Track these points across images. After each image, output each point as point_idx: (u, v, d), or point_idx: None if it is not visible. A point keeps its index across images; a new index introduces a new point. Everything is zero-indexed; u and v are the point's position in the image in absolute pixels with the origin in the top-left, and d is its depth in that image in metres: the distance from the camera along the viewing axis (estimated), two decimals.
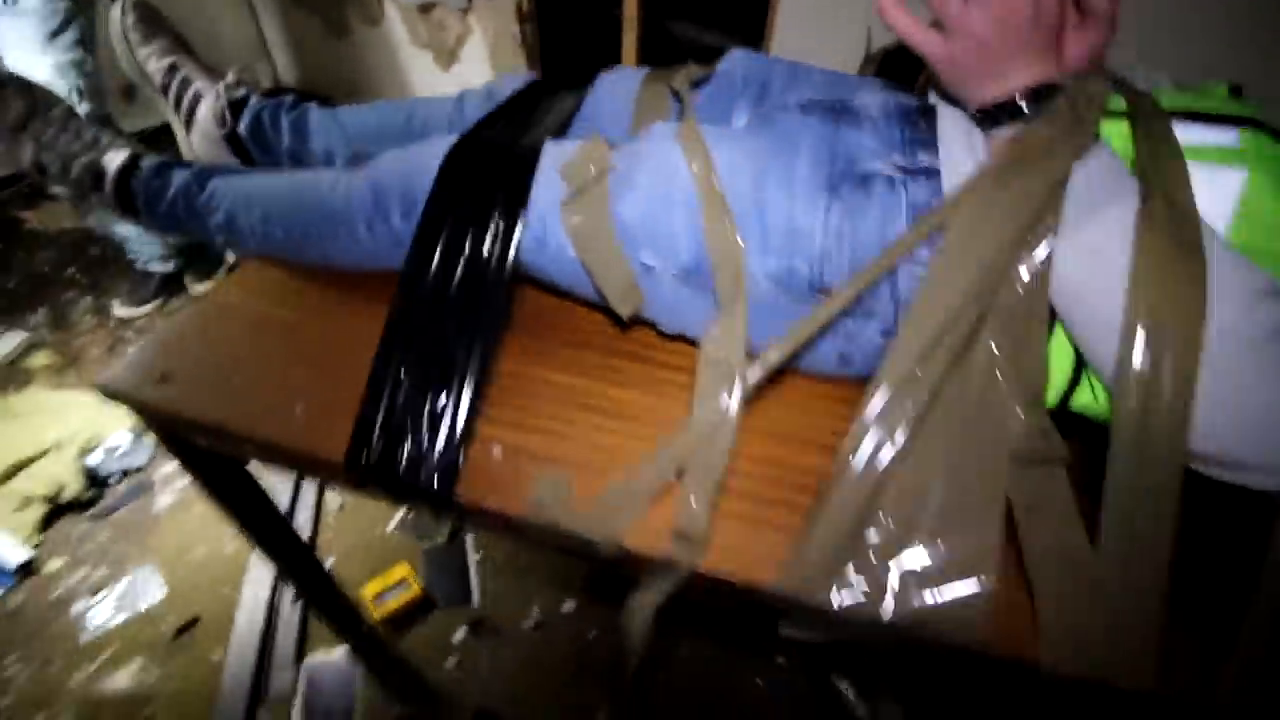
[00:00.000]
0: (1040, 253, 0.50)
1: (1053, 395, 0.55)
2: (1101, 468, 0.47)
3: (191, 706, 1.15)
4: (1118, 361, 0.46)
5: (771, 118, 0.62)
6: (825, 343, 0.59)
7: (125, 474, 1.50)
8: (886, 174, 0.56)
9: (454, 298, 0.60)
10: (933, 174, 0.55)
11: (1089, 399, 0.53)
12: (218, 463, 0.78)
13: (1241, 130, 0.51)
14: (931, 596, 0.48)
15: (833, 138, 0.58)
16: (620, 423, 0.61)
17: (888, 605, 0.48)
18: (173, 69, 0.90)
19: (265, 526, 0.92)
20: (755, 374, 0.51)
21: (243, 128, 0.89)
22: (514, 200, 0.61)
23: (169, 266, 1.69)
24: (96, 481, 1.47)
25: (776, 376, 0.63)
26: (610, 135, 0.66)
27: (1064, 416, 0.55)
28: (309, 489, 1.47)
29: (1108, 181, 0.47)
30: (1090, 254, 0.47)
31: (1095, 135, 0.49)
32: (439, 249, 0.61)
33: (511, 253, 0.60)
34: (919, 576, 0.49)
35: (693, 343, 0.65)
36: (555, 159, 0.62)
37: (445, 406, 0.58)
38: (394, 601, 1.26)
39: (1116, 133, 0.52)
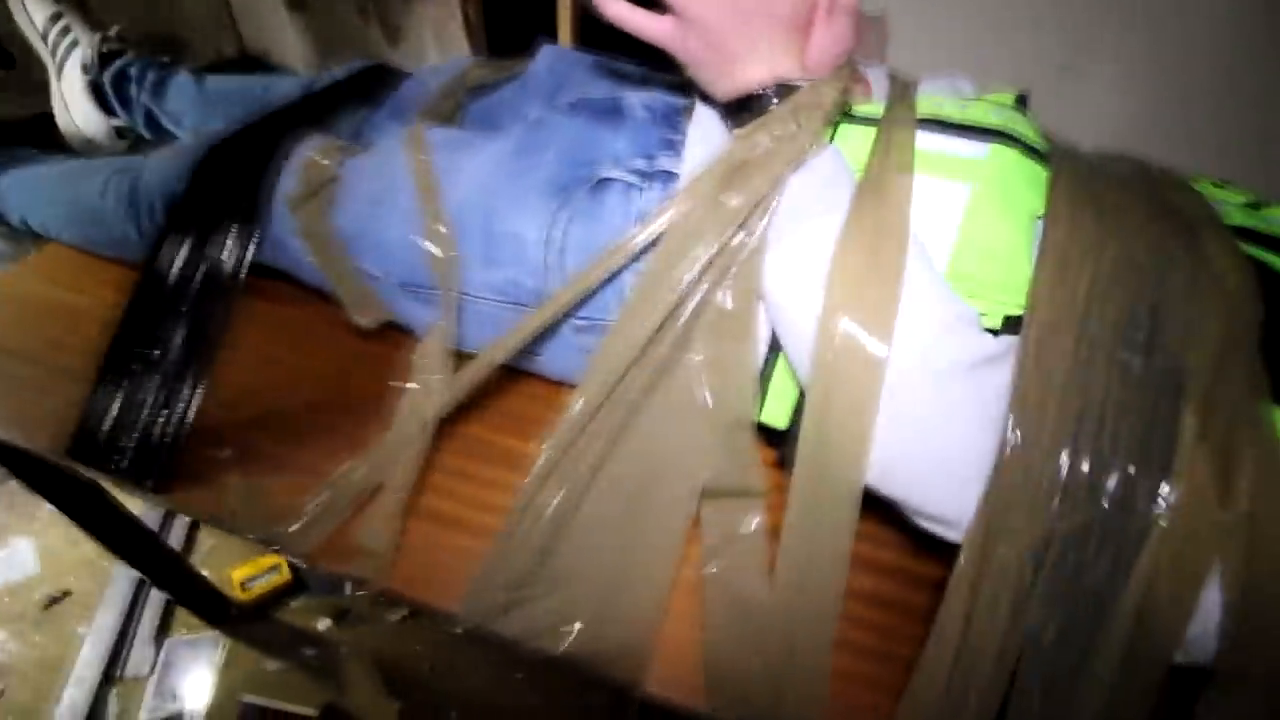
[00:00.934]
0: (748, 265, 0.47)
1: (785, 415, 0.52)
2: None
3: (46, 679, 1.14)
4: (805, 388, 0.44)
5: (539, 120, 0.59)
6: (553, 351, 0.57)
7: None
8: (624, 179, 0.53)
9: (186, 298, 0.58)
10: (672, 178, 0.53)
11: (774, 415, 0.51)
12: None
13: (993, 144, 0.48)
14: (602, 632, 0.47)
15: (586, 141, 0.56)
16: (336, 422, 0.59)
17: (561, 639, 0.47)
18: (56, 15, 0.90)
19: (104, 522, 0.92)
20: (455, 390, 0.49)
21: (107, 77, 0.89)
22: (255, 198, 0.59)
23: None
24: None
25: (508, 384, 0.61)
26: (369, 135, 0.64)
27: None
28: None
29: (819, 192, 0.45)
30: (790, 268, 0.45)
31: (820, 141, 0.46)
32: (183, 245, 0.59)
33: (247, 255, 0.58)
34: (594, 611, 0.47)
35: None
36: (301, 155, 0.60)
37: (166, 406, 0.56)
38: (261, 586, 1.25)
39: (863, 139, 0.49)
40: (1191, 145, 1.24)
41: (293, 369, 0.64)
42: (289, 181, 0.59)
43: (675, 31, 0.48)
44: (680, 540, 0.47)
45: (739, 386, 0.49)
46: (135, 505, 1.10)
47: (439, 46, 2.19)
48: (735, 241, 0.46)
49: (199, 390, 0.57)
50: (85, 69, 0.90)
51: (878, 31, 1.29)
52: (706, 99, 0.55)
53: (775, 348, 0.50)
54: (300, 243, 0.57)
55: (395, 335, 0.64)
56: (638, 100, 0.60)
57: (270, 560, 1.27)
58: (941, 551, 0.44)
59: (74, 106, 0.92)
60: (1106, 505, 0.40)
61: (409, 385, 0.50)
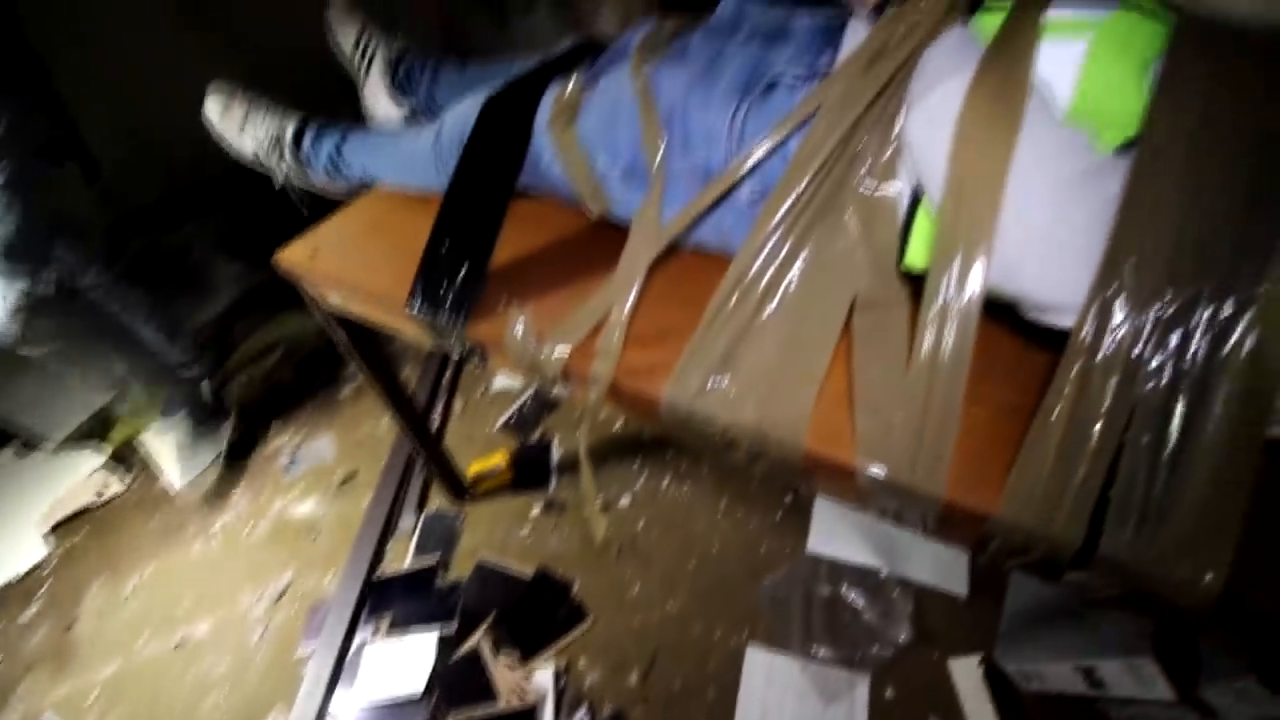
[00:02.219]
0: (893, 130, 0.61)
1: (925, 257, 0.64)
2: None
3: (345, 533, 1.55)
4: (937, 213, 0.56)
5: (722, 50, 0.77)
6: (728, 218, 0.73)
7: (322, 369, 1.98)
8: (788, 81, 0.69)
9: (479, 198, 0.83)
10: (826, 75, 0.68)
11: (916, 259, 0.63)
12: (358, 333, 1.10)
13: (1118, 9, 0.57)
14: (771, 404, 0.62)
15: (758, 58, 0.73)
16: (580, 282, 0.81)
17: (739, 409, 0.63)
18: (360, 35, 1.24)
19: (400, 402, 1.26)
20: (661, 237, 0.68)
21: (400, 73, 1.22)
22: (521, 131, 0.83)
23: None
24: (302, 373, 1.97)
25: (697, 251, 0.79)
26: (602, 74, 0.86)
27: None
28: (444, 396, 1.85)
29: (950, 58, 0.57)
30: (927, 121, 0.57)
31: (947, 21, 0.58)
32: (473, 167, 0.85)
33: (519, 164, 0.82)
34: (766, 389, 0.63)
35: None
36: (551, 93, 0.83)
37: (468, 268, 0.82)
38: (490, 480, 1.57)
39: (994, 20, 0.60)
40: None
41: (546, 246, 0.89)
42: (544, 114, 0.82)
43: None
44: (835, 336, 0.61)
45: (881, 230, 0.62)
46: None
47: (625, 21, 2.47)
48: (879, 103, 0.60)
49: (487, 261, 0.82)
50: (386, 69, 1.22)
51: None
52: (854, 14, 0.69)
53: (915, 202, 0.63)
54: (552, 155, 0.80)
55: (615, 227, 0.86)
56: (800, 23, 0.75)
57: (497, 459, 1.59)
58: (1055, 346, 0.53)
59: (379, 101, 1.26)
60: (1211, 282, 0.48)
61: (632, 237, 0.70)
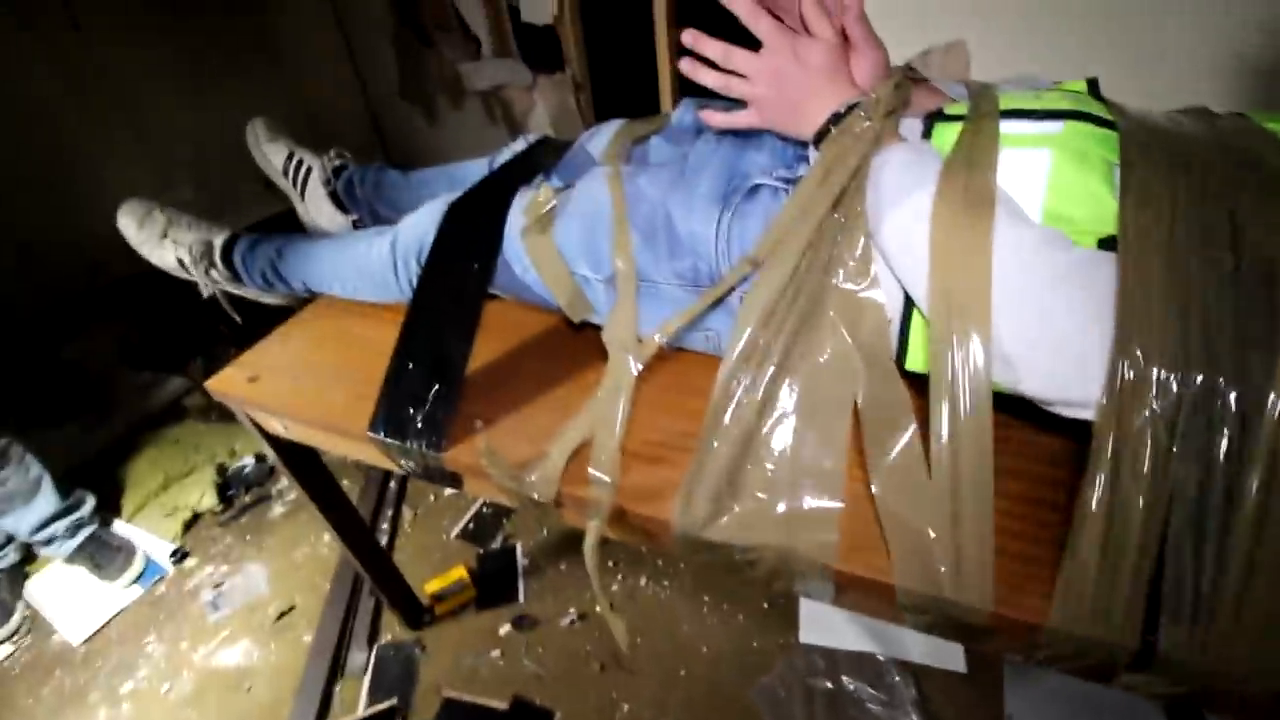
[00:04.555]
0: (859, 232, 0.61)
1: (921, 360, 0.63)
2: None
3: (284, 680, 1.36)
4: (930, 322, 0.55)
5: (694, 149, 0.77)
6: (716, 321, 0.71)
7: (247, 489, 1.80)
8: (770, 184, 0.69)
9: (447, 311, 0.78)
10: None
11: (918, 362, 0.62)
12: (299, 453, 1.00)
13: (1067, 121, 0.60)
14: (790, 525, 0.58)
15: (735, 159, 0.72)
16: (561, 397, 0.76)
17: (755, 533, 0.58)
18: (290, 155, 1.19)
19: (344, 522, 1.14)
20: (648, 348, 0.65)
21: (339, 186, 1.16)
22: (488, 238, 0.79)
23: (6, 560, 1.55)
24: (226, 495, 1.78)
25: (686, 354, 0.76)
26: (572, 179, 0.84)
27: None
28: (389, 509, 1.71)
29: (910, 171, 0.58)
30: (900, 233, 0.57)
31: (893, 127, 0.60)
32: (438, 278, 0.80)
33: (489, 273, 0.78)
34: (783, 512, 0.59)
35: None
36: (521, 201, 0.80)
37: (438, 388, 0.75)
38: (452, 599, 1.44)
39: (951, 131, 0.62)
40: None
41: (520, 354, 0.83)
42: (516, 222, 0.79)
43: (754, 115, 0.67)
44: (844, 443, 0.58)
45: (870, 332, 0.61)
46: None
47: (556, 130, 2.52)
48: (839, 211, 0.60)
49: (458, 381, 0.76)
50: (324, 184, 1.17)
51: (957, 55, 1.42)
52: None
53: (910, 303, 0.62)
54: (528, 263, 0.76)
55: (595, 331, 0.82)
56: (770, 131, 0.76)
57: (457, 574, 1.46)
58: (1078, 438, 0.53)
59: (320, 214, 1.19)
60: (1225, 373, 0.48)
61: (611, 349, 0.66)
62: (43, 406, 1.98)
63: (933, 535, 0.53)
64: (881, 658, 1.25)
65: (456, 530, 1.63)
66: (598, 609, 1.41)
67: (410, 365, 0.77)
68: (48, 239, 2.10)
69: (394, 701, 1.28)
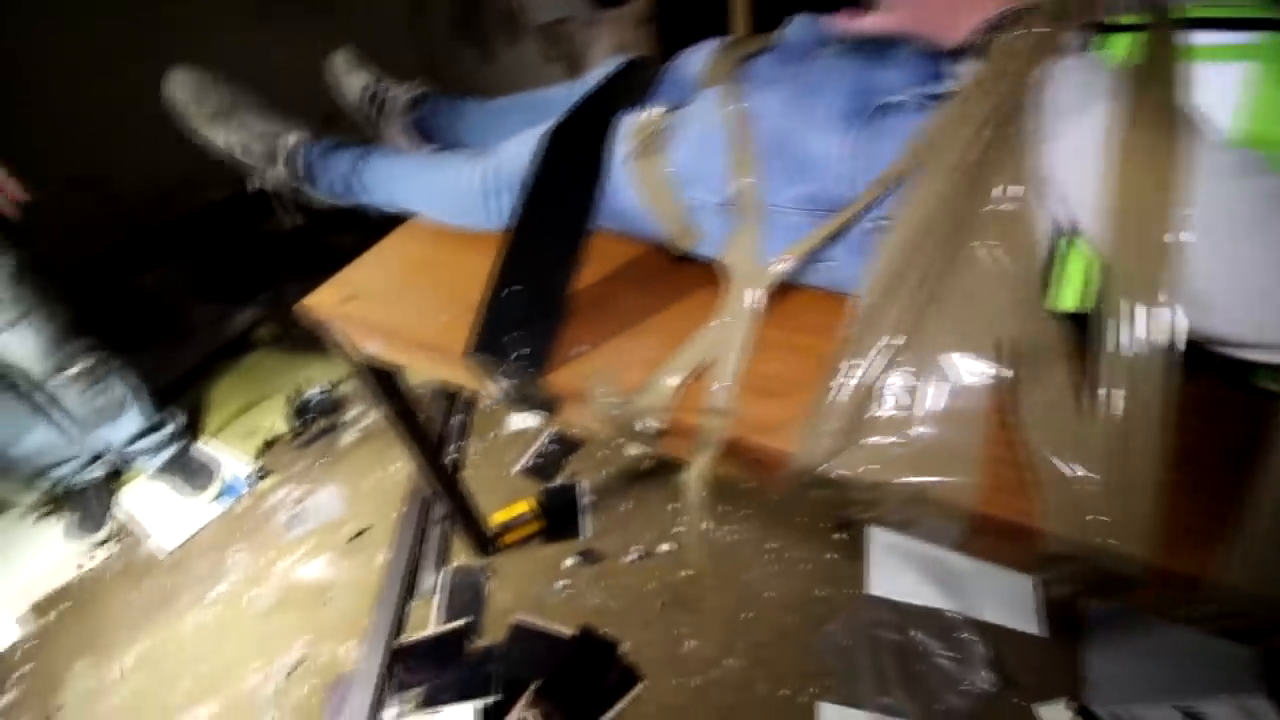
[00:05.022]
0: (1024, 159, 0.55)
1: (1072, 297, 0.58)
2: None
3: (361, 595, 1.42)
4: (1100, 255, 0.50)
5: (810, 68, 0.71)
6: (839, 252, 0.67)
7: (320, 416, 1.85)
8: (909, 102, 0.63)
9: (549, 238, 0.75)
10: (943, 100, 0.62)
11: (1067, 300, 0.56)
12: (380, 377, 1.00)
13: (1269, 32, 0.52)
14: (923, 462, 0.55)
15: (863, 76, 0.66)
16: (667, 326, 0.73)
17: (889, 472, 0.56)
18: (368, 86, 1.17)
19: (421, 445, 1.15)
20: (769, 276, 0.61)
21: (419, 116, 1.14)
22: (591, 164, 0.75)
23: (95, 474, 1.64)
24: (299, 422, 1.84)
25: (800, 288, 0.72)
26: (679, 101, 0.79)
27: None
28: (455, 443, 1.74)
29: (1082, 89, 0.52)
30: (1069, 156, 0.52)
31: (1063, 42, 0.53)
32: (540, 206, 0.77)
33: (592, 202, 0.74)
34: (917, 449, 0.55)
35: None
36: (626, 126, 0.75)
37: (540, 314, 0.73)
38: (517, 530, 1.46)
39: (1122, 42, 0.55)
40: None
41: (620, 286, 0.80)
42: (621, 146, 0.75)
43: (895, 18, 0.59)
44: (988, 384, 0.54)
45: (1024, 263, 0.56)
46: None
47: None
48: (1002, 131, 0.54)
49: (558, 308, 0.74)
50: (401, 115, 1.15)
51: None
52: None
53: (1058, 238, 0.57)
54: (634, 191, 0.73)
55: (697, 263, 0.78)
56: (903, 45, 0.69)
57: (522, 507, 1.48)
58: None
59: (399, 145, 1.18)
60: None
61: (730, 278, 0.63)
62: (123, 333, 2.07)
63: (1092, 479, 0.50)
64: (952, 615, 1.22)
65: (520, 466, 1.65)
66: (661, 548, 1.42)
67: (510, 290, 0.75)
68: (122, 173, 2.15)
69: (464, 622, 1.33)
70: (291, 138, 1.01)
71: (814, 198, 0.65)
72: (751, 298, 0.63)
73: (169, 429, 1.67)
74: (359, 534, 1.55)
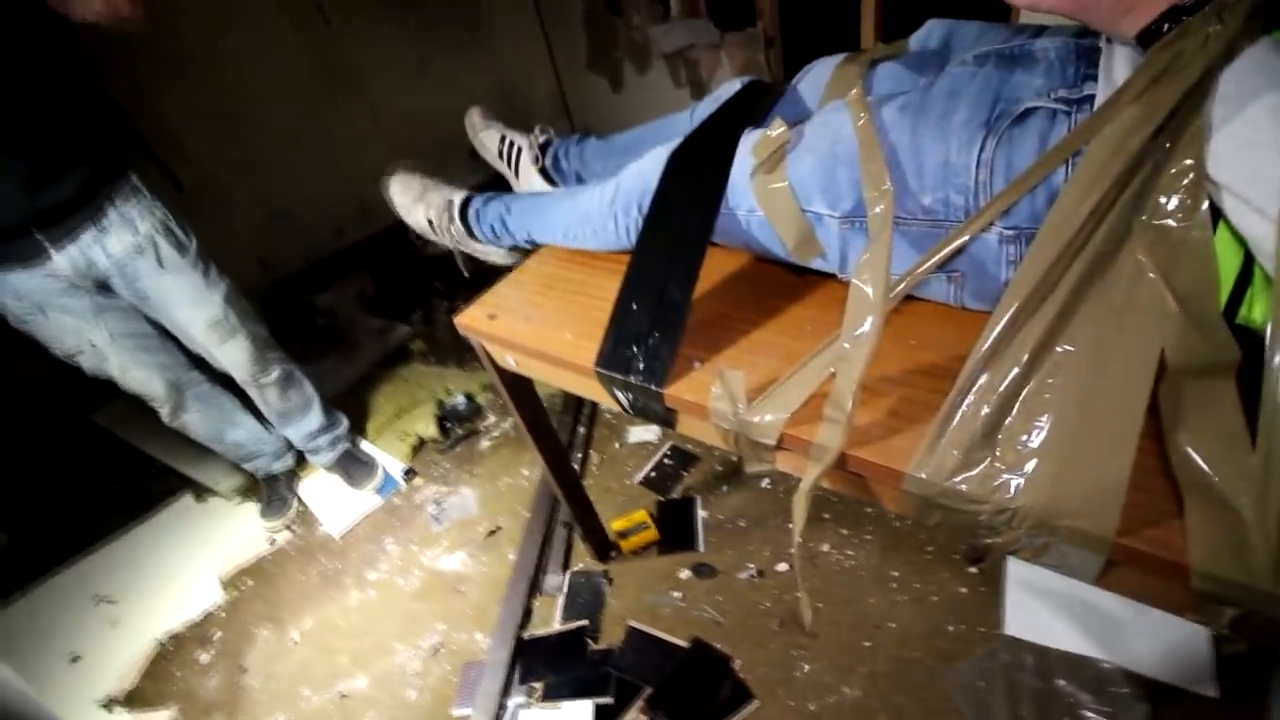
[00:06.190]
0: (1189, 160, 0.51)
1: (1262, 310, 0.53)
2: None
3: (492, 588, 1.54)
4: (1275, 253, 0.46)
5: (944, 74, 0.70)
6: (966, 263, 0.65)
7: (462, 423, 2.03)
8: (1048, 108, 0.61)
9: (671, 255, 0.80)
10: (1092, 102, 0.59)
11: (1256, 313, 0.51)
12: (519, 386, 1.10)
13: None
14: (1063, 485, 0.52)
15: (999, 82, 0.65)
16: (786, 340, 0.75)
17: (1019, 492, 0.54)
18: (503, 138, 1.30)
19: (551, 451, 1.24)
20: (893, 292, 0.61)
21: (548, 162, 1.24)
22: (713, 183, 0.79)
23: (287, 463, 1.91)
24: (444, 427, 2.03)
25: (923, 302, 0.71)
26: (802, 116, 0.81)
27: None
28: (578, 453, 1.83)
29: (1260, 76, 0.48)
30: (1247, 147, 0.48)
31: (1250, 31, 0.49)
32: (663, 223, 0.83)
33: (714, 219, 0.78)
34: (1056, 467, 0.53)
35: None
36: (748, 143, 0.79)
37: (661, 329, 0.78)
38: (635, 538, 1.52)
39: None
40: None
41: (739, 300, 0.84)
42: (744, 163, 0.78)
43: (1069, 2, 0.55)
44: (1144, 400, 0.51)
45: (1193, 276, 0.52)
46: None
47: None
48: (1168, 130, 0.50)
49: (680, 323, 0.78)
50: (534, 161, 1.26)
51: None
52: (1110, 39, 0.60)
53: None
54: (753, 205, 0.76)
55: (818, 277, 0.80)
56: (1042, 45, 0.67)
57: (640, 516, 1.54)
58: None
59: (534, 189, 1.29)
60: None
61: (853, 292, 0.63)
62: (306, 344, 2.40)
63: (1252, 514, 0.45)
64: (1106, 665, 1.11)
65: (639, 477, 1.71)
66: (777, 568, 1.41)
67: (634, 306, 0.81)
68: (306, 206, 2.50)
69: (584, 623, 1.39)
70: (457, 197, 1.15)
71: (944, 209, 0.65)
72: (874, 312, 0.63)
73: (339, 429, 1.91)
74: (492, 532, 1.68)
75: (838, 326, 0.65)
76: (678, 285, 0.79)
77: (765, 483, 1.60)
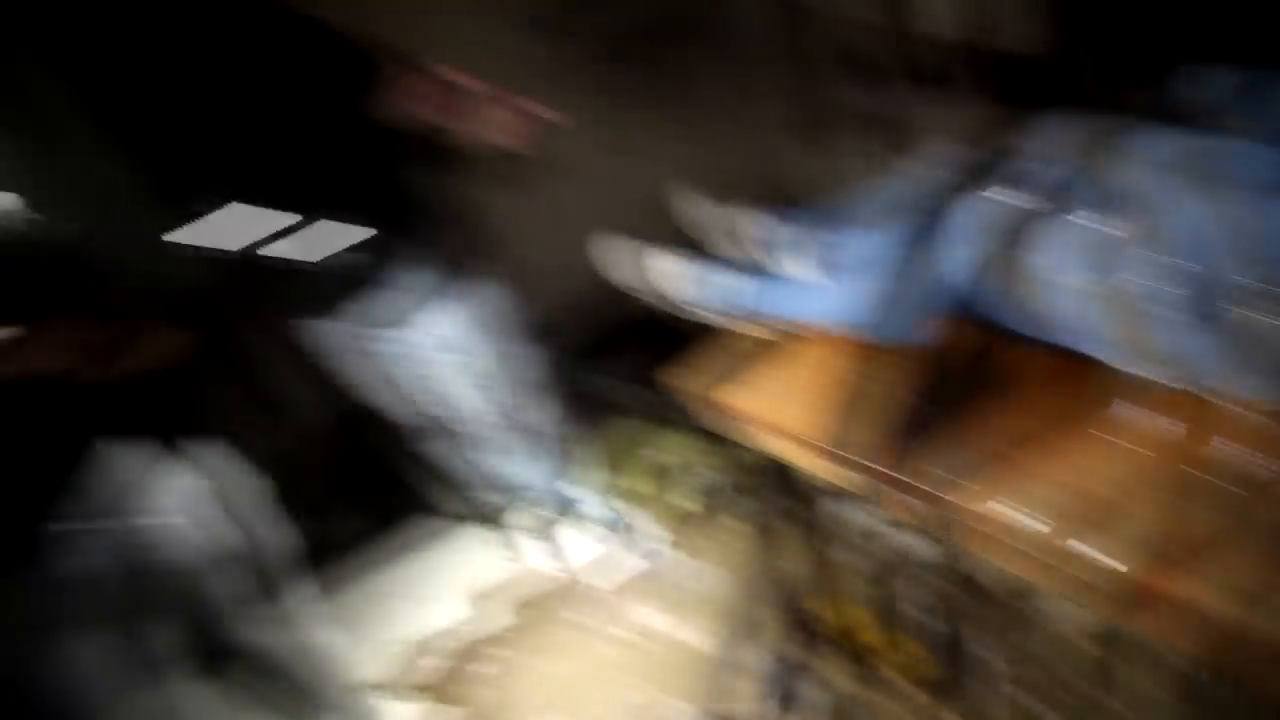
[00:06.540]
0: None
1: None
2: None
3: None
4: None
5: (1220, 137, 0.53)
6: None
7: (715, 496, 2.03)
8: None
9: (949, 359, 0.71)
10: None
11: None
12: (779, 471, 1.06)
13: None
14: None
15: None
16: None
17: None
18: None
19: (799, 545, 1.17)
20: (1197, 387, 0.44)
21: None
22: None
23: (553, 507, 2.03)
24: (702, 500, 2.05)
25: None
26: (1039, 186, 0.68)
27: None
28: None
29: None
30: None
31: None
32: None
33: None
34: None
35: None
36: (981, 217, 0.70)
37: (948, 426, 0.68)
38: (887, 660, 1.31)
39: None
40: None
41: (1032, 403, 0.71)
42: (976, 240, 0.69)
43: None
44: None
45: None
46: None
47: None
48: None
49: (969, 422, 0.67)
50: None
51: None
52: None
53: None
54: (996, 285, 0.67)
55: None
56: None
57: (910, 644, 1.33)
58: None
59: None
60: None
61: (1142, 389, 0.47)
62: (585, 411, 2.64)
63: None
64: None
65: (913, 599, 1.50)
66: None
67: (925, 408, 0.72)
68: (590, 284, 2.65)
69: None
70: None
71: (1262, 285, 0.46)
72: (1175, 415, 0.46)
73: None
74: (729, 612, 1.61)
75: None
76: (956, 379, 0.69)
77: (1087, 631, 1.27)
